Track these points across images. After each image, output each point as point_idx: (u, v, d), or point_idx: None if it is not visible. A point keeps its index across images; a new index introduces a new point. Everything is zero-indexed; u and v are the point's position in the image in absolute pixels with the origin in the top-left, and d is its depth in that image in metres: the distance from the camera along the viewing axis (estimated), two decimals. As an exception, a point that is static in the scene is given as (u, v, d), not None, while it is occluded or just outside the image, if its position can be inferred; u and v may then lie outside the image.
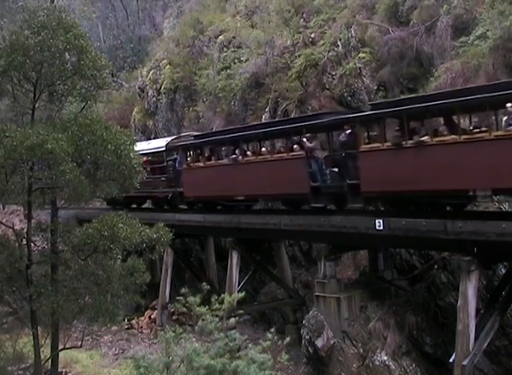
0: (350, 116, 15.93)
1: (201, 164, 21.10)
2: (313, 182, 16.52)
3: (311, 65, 22.50)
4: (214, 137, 21.21)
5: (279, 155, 18.15)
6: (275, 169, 17.66)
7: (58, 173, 12.52)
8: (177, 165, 22.74)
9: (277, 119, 21.90)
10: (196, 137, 22.75)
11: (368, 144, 15.33)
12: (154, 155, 25.12)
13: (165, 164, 24.12)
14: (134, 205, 27.24)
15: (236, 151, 19.40)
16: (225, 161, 20.07)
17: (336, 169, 16.30)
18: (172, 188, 22.85)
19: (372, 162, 14.84)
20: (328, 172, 16.51)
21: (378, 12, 21.52)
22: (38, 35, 13.67)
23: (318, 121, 16.52)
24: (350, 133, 15.75)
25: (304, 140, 16.78)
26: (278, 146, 19.78)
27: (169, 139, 24.53)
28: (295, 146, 17.45)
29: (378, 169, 14.68)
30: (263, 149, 19.10)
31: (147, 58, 37.79)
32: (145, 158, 23.46)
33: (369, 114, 15.33)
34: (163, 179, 23.80)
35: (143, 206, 28.02)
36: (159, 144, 24.80)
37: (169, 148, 23.84)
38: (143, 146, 23.55)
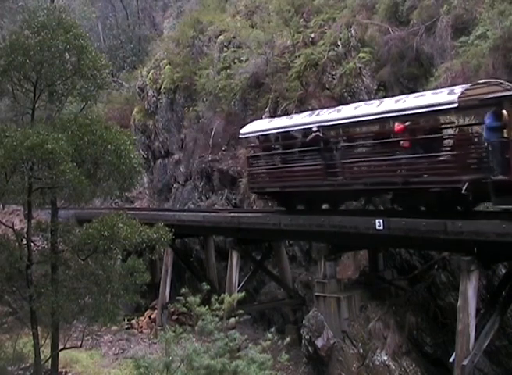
0: None
1: None
2: None
3: (311, 65, 22.48)
4: None
5: None
6: None
7: (58, 173, 12.50)
8: (485, 134, 13.36)
9: None
10: None
11: None
12: (422, 117, 14.85)
13: (451, 132, 14.73)
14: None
15: None
16: None
17: None
18: (473, 174, 13.06)
19: None
20: None
21: (378, 12, 21.49)
22: (38, 35, 13.65)
23: None
24: None
25: None
26: None
27: (458, 89, 13.22)
28: None
29: None
30: None
31: (147, 58, 37.74)
32: (398, 125, 14.57)
33: None
34: (446, 158, 13.96)
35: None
36: (434, 98, 13.60)
37: (465, 104, 13.67)
38: (387, 105, 14.78)
